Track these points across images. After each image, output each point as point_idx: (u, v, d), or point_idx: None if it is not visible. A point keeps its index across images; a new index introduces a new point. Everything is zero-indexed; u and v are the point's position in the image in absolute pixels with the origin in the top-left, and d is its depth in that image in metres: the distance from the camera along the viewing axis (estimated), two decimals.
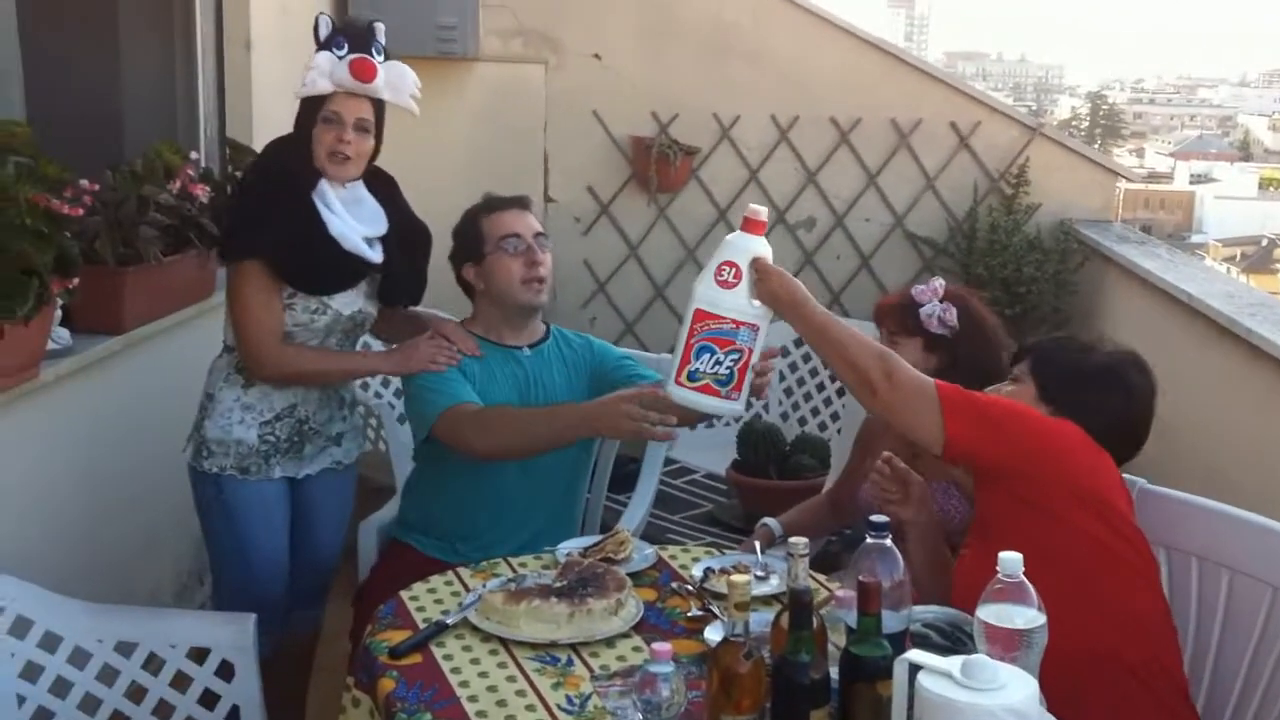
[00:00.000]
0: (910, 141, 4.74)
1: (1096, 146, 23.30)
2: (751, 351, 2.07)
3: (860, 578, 1.59)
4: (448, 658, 1.92)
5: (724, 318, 2.06)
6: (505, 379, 2.60)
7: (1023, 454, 1.94)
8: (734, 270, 2.06)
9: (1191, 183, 47.46)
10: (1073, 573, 1.88)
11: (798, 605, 1.58)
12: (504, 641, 1.95)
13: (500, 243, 2.59)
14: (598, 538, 2.36)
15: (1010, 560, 1.58)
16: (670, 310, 4.80)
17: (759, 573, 2.17)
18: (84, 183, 2.58)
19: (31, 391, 2.57)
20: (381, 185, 2.62)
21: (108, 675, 2.14)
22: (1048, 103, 76.99)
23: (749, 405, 2.24)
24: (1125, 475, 2.09)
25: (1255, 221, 39.92)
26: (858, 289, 4.80)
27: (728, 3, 4.77)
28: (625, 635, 1.99)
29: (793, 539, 1.70)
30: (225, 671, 2.17)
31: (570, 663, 1.91)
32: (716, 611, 2.05)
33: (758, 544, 2.37)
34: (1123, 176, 4.99)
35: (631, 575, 2.17)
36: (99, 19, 3.54)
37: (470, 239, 2.62)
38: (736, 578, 1.62)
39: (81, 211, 2.50)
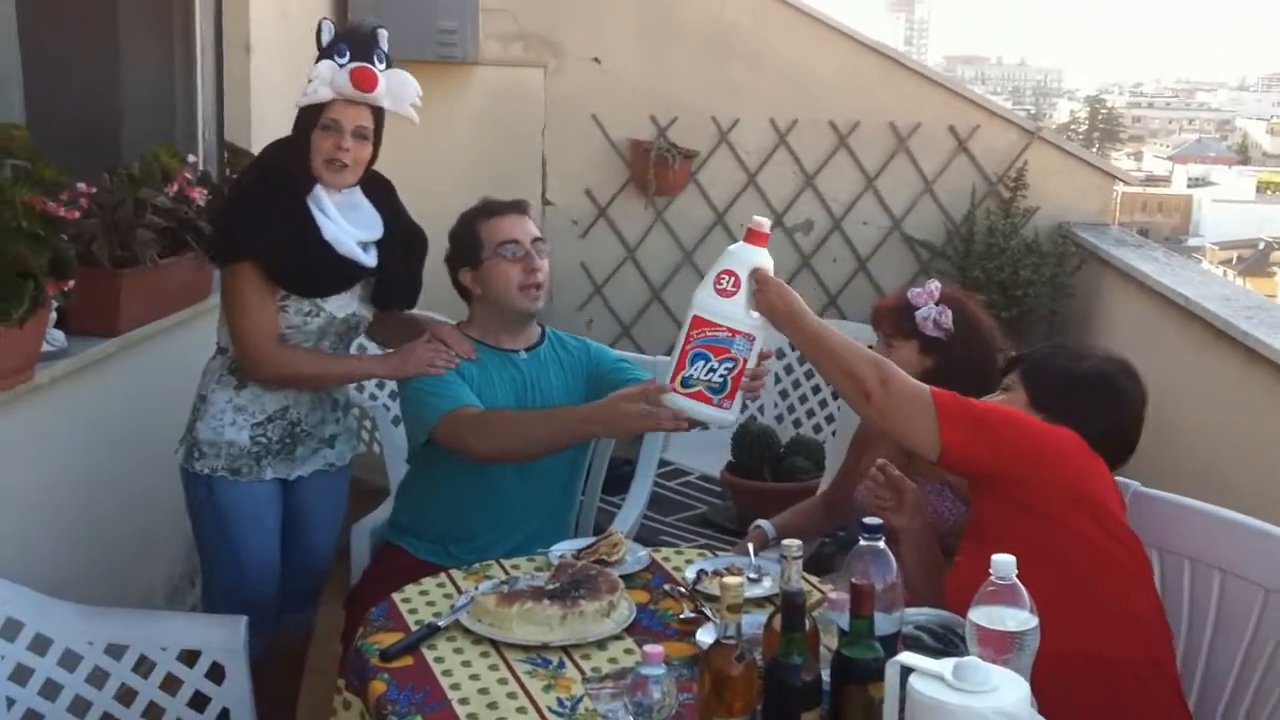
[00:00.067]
0: (908, 145, 4.75)
1: (1095, 150, 23.34)
2: (746, 361, 2.08)
3: (853, 580, 1.59)
4: (439, 660, 1.92)
5: (720, 326, 2.07)
6: (503, 383, 2.60)
7: (1019, 459, 1.94)
8: (733, 279, 2.07)
9: (1189, 186, 47.49)
10: (1069, 575, 1.89)
11: (790, 607, 1.58)
12: (496, 644, 1.95)
13: (498, 248, 2.58)
14: (591, 539, 2.37)
15: (1002, 562, 1.58)
16: (667, 313, 4.81)
17: (752, 575, 2.17)
18: (81, 185, 2.58)
19: (26, 394, 2.57)
20: (378, 189, 2.61)
21: (98, 678, 2.14)
22: (1046, 106, 77.04)
23: (744, 406, 2.25)
24: (1119, 478, 2.09)
25: (1252, 225, 39.93)
26: (855, 292, 4.81)
27: (727, 6, 4.78)
28: (617, 637, 1.99)
29: (786, 541, 1.70)
30: (216, 674, 2.17)
31: (562, 665, 1.91)
32: (709, 614, 2.05)
33: (751, 546, 2.37)
34: (1120, 180, 5.00)
35: (624, 577, 2.17)
36: (98, 21, 3.54)
37: (468, 243, 2.62)
38: (729, 580, 1.62)
39: (78, 214, 2.50)
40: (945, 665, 1.45)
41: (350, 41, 2.46)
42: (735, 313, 2.06)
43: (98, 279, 2.79)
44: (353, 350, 2.81)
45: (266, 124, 3.65)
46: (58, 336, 2.75)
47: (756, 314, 2.07)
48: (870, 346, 2.26)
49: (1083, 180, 4.78)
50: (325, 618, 2.80)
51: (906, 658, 1.50)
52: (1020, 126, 4.80)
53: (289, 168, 2.49)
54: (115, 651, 2.15)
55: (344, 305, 2.56)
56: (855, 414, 2.26)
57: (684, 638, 2.00)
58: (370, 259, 2.54)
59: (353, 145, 2.48)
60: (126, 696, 2.17)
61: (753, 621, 1.75)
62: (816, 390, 4.17)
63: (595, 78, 4.80)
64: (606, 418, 2.38)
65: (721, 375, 2.07)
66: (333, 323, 2.56)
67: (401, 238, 2.62)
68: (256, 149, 2.98)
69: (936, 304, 2.51)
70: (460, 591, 2.16)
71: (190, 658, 2.17)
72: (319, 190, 2.49)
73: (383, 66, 2.48)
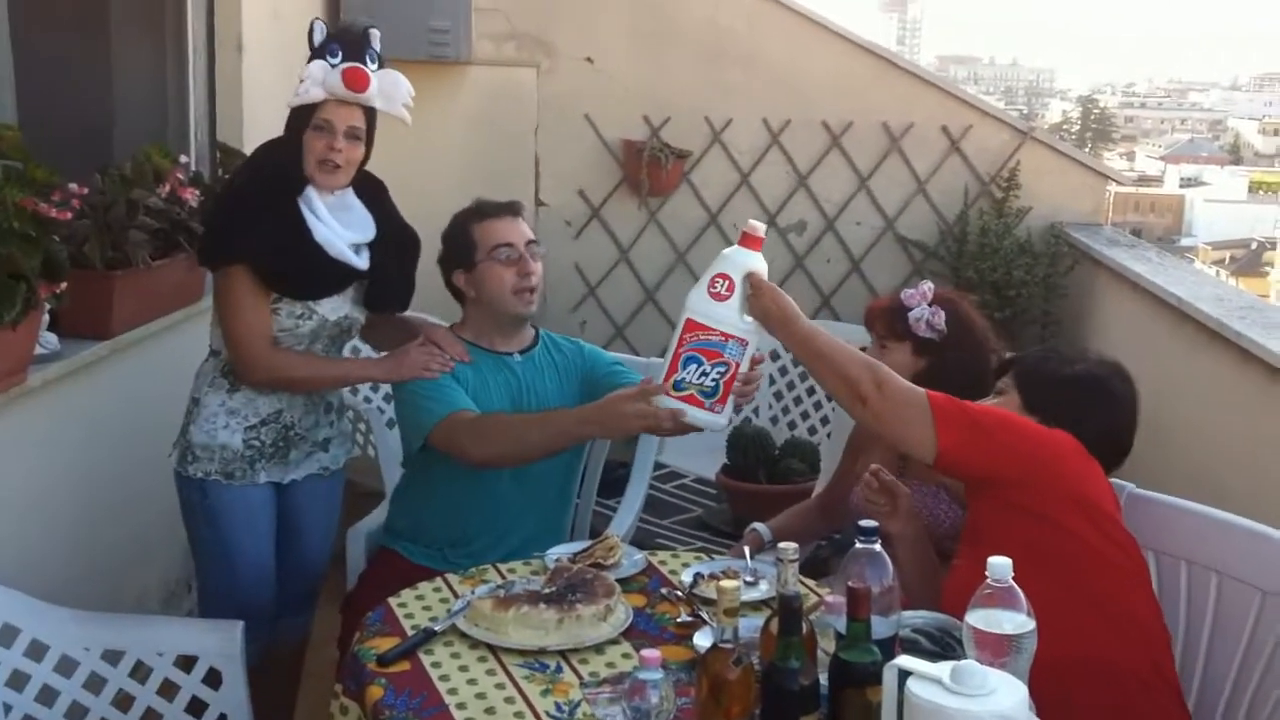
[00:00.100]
0: (901, 145, 4.75)
1: (1087, 150, 23.27)
2: (738, 365, 2.08)
3: (849, 583, 1.59)
4: (436, 665, 1.91)
5: (713, 329, 2.07)
6: (497, 386, 2.59)
7: (1016, 462, 1.94)
8: (727, 283, 2.07)
9: (1181, 186, 47.65)
10: (1067, 577, 1.89)
11: (787, 611, 1.58)
12: (492, 648, 1.95)
13: (492, 252, 2.57)
14: (587, 543, 2.36)
15: (999, 565, 1.58)
16: (661, 314, 4.80)
17: (748, 578, 2.17)
18: (73, 186, 2.57)
19: (19, 397, 2.56)
20: (370, 190, 2.60)
21: (95, 684, 2.13)
22: (1039, 106, 77.26)
23: (736, 410, 2.24)
24: (1114, 480, 2.09)
25: (1245, 225, 40.11)
26: (848, 292, 4.80)
27: (720, 6, 4.77)
28: (614, 641, 1.98)
29: (782, 544, 1.69)
30: (213, 679, 2.17)
31: (559, 669, 1.90)
32: (706, 617, 2.04)
33: (747, 549, 2.36)
34: (1113, 180, 5.01)
35: (621, 581, 2.16)
36: (90, 22, 3.53)
37: (461, 246, 2.60)
38: (726, 583, 1.61)
39: (70, 215, 2.49)
40: (943, 668, 1.45)
41: (342, 41, 2.45)
42: (729, 317, 2.06)
43: (90, 281, 2.78)
44: (346, 353, 2.80)
45: (259, 124, 3.64)
46: (51, 339, 2.74)
47: (750, 318, 2.07)
48: (863, 348, 2.27)
49: (1075, 180, 4.78)
50: (321, 622, 2.79)
51: (904, 661, 1.49)
52: (1013, 126, 4.80)
53: (280, 169, 2.48)
54: (112, 657, 2.14)
55: (337, 308, 2.55)
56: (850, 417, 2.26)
57: (681, 641, 1.99)
58: (362, 261, 2.53)
59: (345, 146, 2.47)
60: (124, 702, 2.16)
61: (750, 625, 1.75)
62: (811, 392, 4.17)
63: (588, 78, 4.79)
64: (604, 419, 2.37)
65: (714, 379, 2.07)
66: (325, 325, 2.55)
67: (394, 239, 2.61)
68: (249, 149, 2.97)
69: (930, 305, 2.51)
70: (456, 596, 2.15)
71: (187, 663, 2.16)
72: (310, 192, 2.48)
73: (375, 66, 2.47)
